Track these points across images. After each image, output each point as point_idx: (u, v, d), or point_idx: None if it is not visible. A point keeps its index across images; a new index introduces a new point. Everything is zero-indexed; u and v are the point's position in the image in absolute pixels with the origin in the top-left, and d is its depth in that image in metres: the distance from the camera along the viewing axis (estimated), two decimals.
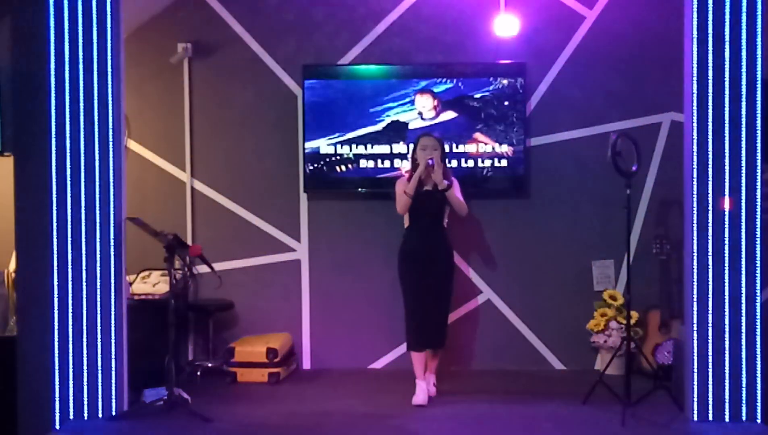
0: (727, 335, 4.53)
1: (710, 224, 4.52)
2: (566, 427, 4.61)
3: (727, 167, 4.51)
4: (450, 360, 5.90)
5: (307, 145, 5.93)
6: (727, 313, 4.52)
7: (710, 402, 4.54)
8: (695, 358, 4.55)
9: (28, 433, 4.59)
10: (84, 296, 4.61)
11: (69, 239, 4.60)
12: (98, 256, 4.62)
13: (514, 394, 5.30)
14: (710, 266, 4.53)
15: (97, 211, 4.63)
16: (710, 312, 4.53)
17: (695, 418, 4.54)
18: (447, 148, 5.48)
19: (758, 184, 4.52)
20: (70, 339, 4.60)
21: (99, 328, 4.62)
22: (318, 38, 6.04)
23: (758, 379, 4.54)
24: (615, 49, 5.93)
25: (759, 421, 4.53)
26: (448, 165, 5.46)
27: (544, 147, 5.98)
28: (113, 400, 4.65)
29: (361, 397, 5.26)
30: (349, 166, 5.93)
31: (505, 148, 5.85)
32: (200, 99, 6.12)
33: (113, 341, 4.64)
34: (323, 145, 5.93)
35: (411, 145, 5.42)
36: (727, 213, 4.51)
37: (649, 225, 5.92)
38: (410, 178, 5.19)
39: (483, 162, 5.85)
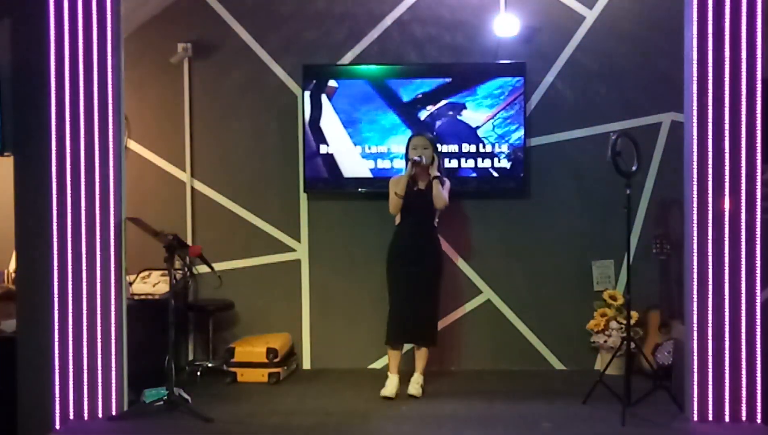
0: (727, 335, 4.52)
1: (710, 224, 4.52)
2: (566, 427, 4.61)
3: (727, 167, 4.51)
4: (450, 360, 5.92)
5: (306, 145, 5.93)
6: (727, 313, 4.52)
7: (710, 402, 4.53)
8: (695, 358, 4.55)
9: (28, 433, 4.58)
10: (84, 296, 4.60)
11: (69, 239, 4.60)
12: (98, 256, 4.62)
13: (514, 394, 5.30)
14: (710, 266, 4.53)
15: (97, 211, 4.62)
16: (710, 312, 4.53)
17: (695, 418, 4.54)
18: (454, 149, 5.51)
19: (758, 184, 4.52)
20: (70, 339, 4.60)
21: (99, 328, 4.61)
22: (318, 38, 6.04)
23: (758, 379, 4.53)
24: (615, 49, 5.93)
25: (759, 421, 4.53)
26: (445, 165, 5.54)
27: (544, 147, 5.98)
28: (113, 400, 4.64)
29: (361, 397, 5.26)
30: (349, 166, 5.93)
31: (504, 148, 5.85)
32: (200, 99, 6.12)
33: (113, 341, 4.64)
34: (323, 145, 5.93)
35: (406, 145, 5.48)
36: (727, 213, 4.51)
37: (649, 225, 5.91)
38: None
39: (483, 162, 5.85)
